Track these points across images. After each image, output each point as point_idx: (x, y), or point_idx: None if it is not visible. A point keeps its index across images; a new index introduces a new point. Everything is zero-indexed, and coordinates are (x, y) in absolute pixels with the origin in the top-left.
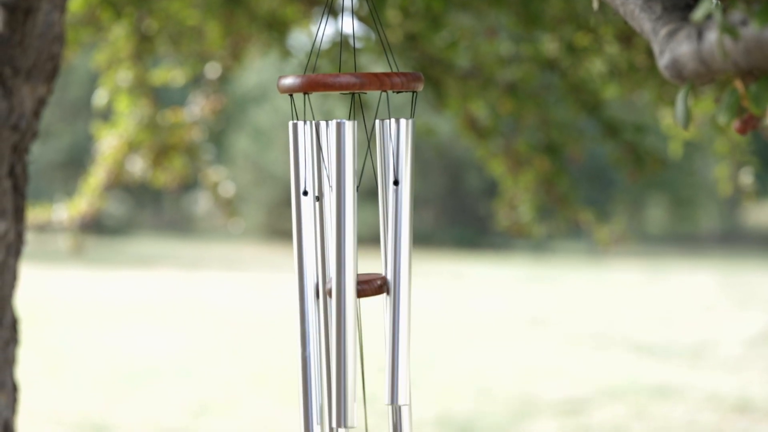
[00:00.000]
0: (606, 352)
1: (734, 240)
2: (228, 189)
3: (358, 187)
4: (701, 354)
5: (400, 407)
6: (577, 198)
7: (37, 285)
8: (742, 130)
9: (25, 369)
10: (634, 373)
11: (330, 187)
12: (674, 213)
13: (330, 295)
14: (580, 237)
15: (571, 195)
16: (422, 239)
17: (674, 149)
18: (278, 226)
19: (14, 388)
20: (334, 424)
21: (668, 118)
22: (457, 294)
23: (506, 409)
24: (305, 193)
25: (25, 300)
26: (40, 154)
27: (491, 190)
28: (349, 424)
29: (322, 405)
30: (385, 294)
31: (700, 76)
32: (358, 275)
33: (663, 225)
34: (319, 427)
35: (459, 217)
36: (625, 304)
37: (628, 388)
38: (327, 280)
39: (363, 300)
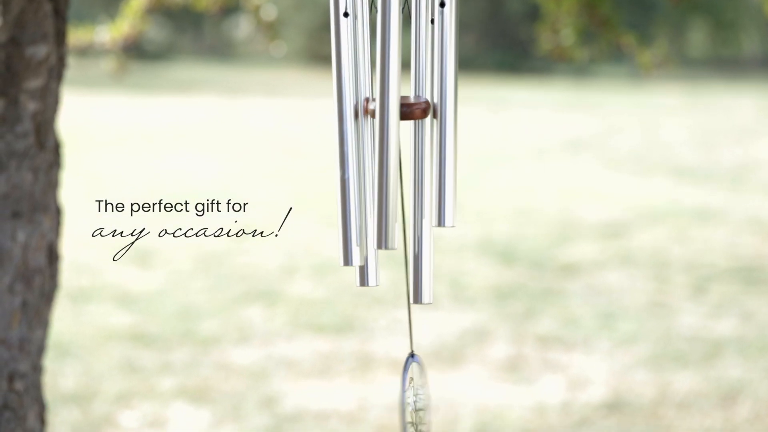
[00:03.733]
0: (646, 176)
1: None
2: (270, 12)
3: (403, 9)
4: (742, 177)
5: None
6: (620, 21)
7: (79, 110)
8: None
9: (68, 193)
10: (674, 196)
11: (375, 8)
12: (716, 37)
13: (372, 116)
14: (622, 61)
15: (614, 18)
16: (463, 63)
17: None
18: (319, 51)
19: (58, 211)
20: (374, 246)
21: None
22: (498, 118)
23: (547, 232)
24: (346, 14)
25: (67, 125)
26: None
27: (533, 13)
28: (390, 245)
29: (361, 226)
30: (430, 117)
31: None
32: (402, 98)
33: (705, 49)
34: (357, 248)
35: (500, 41)
36: (666, 128)
37: (668, 211)
38: (370, 101)
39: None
